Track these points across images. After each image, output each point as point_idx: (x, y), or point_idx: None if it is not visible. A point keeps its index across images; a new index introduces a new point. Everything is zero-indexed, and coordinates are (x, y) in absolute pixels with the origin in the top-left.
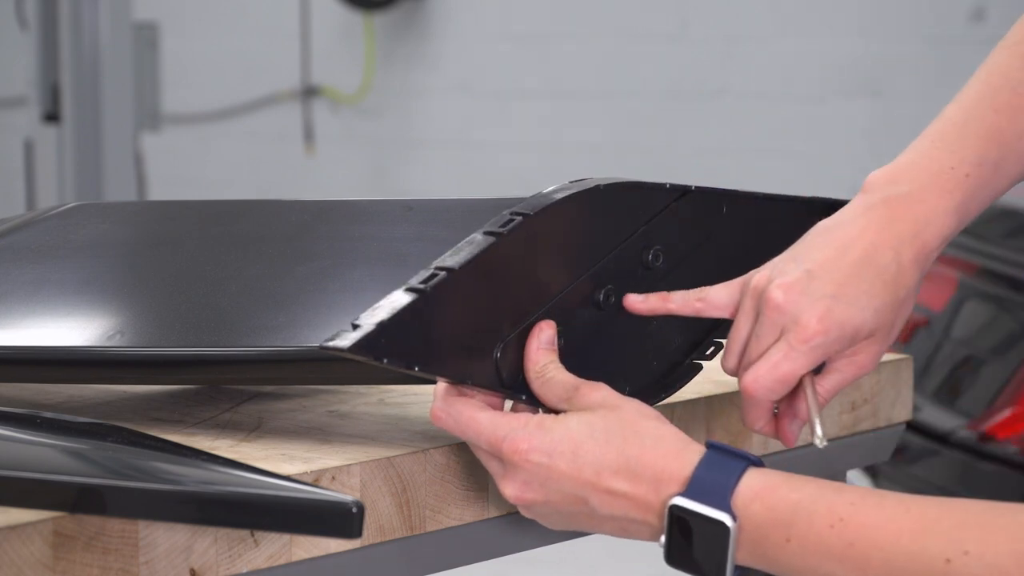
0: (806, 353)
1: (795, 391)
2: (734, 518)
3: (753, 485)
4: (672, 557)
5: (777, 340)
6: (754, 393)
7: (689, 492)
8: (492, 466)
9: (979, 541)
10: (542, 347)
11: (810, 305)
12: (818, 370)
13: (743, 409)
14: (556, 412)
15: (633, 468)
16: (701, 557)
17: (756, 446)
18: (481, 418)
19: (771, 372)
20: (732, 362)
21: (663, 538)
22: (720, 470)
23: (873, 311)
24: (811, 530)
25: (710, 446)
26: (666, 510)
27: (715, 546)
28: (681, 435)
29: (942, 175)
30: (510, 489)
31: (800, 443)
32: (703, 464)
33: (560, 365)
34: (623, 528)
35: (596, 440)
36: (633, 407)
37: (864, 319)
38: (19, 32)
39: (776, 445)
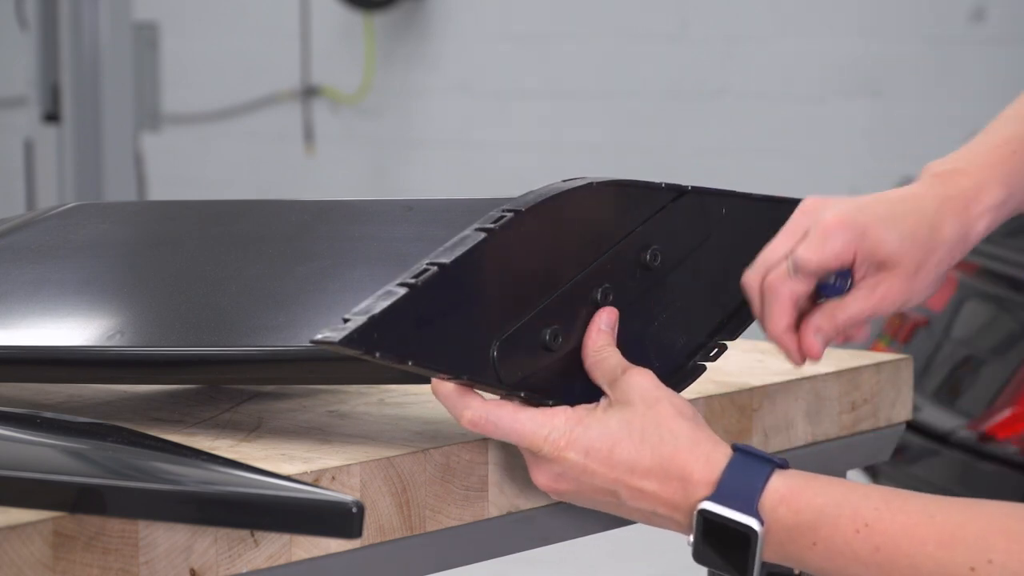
0: (825, 243)
1: (813, 311)
2: (761, 522)
3: (779, 488)
4: (699, 556)
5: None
6: (773, 282)
7: (717, 496)
8: (526, 454)
9: (1003, 550)
10: (602, 329)
11: (835, 208)
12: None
13: (765, 311)
14: (589, 399)
15: (665, 468)
16: (728, 558)
17: (755, 446)
18: (523, 419)
19: (791, 260)
20: (755, 276)
21: (690, 538)
22: (747, 474)
23: (898, 234)
24: (836, 534)
25: (736, 449)
26: (695, 513)
27: (742, 549)
28: (713, 437)
29: (989, 153)
30: (542, 478)
31: (799, 443)
32: (730, 468)
33: (615, 349)
34: (648, 518)
35: (632, 439)
36: (670, 404)
37: (886, 236)
38: (19, 32)
39: (778, 444)
